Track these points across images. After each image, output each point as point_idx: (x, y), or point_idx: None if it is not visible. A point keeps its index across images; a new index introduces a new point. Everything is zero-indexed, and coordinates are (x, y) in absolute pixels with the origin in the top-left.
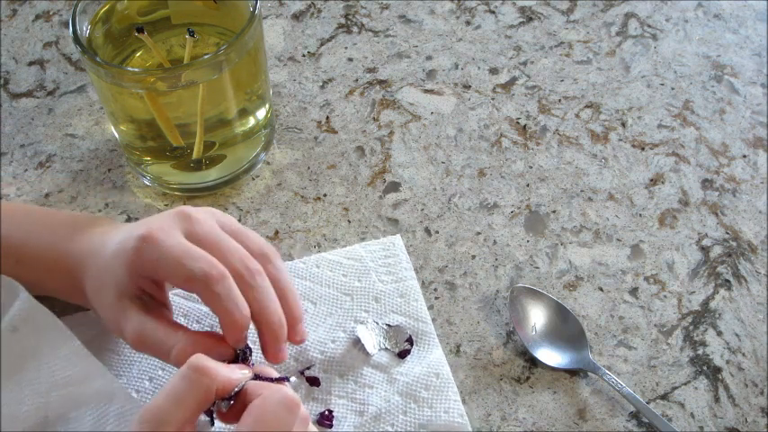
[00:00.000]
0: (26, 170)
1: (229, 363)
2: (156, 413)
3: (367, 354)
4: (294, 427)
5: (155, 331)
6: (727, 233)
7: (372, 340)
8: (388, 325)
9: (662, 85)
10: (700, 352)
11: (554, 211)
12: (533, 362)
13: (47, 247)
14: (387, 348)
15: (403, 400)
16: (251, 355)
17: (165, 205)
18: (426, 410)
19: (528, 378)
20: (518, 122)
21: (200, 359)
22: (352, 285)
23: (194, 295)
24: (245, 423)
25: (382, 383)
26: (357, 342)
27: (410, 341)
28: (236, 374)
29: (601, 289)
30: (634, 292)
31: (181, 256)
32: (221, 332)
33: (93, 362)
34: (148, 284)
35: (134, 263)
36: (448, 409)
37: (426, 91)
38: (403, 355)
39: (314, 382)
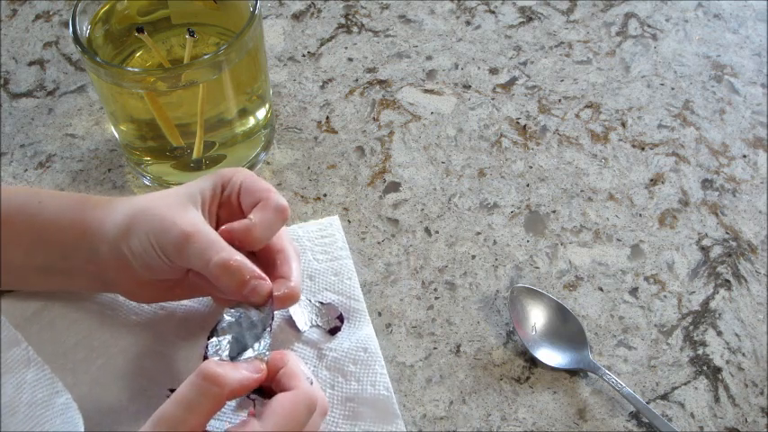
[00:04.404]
0: (26, 170)
1: (262, 305)
2: (169, 420)
3: (298, 330)
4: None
5: (211, 231)
6: (727, 233)
7: (304, 317)
8: (321, 302)
9: (662, 85)
10: (700, 352)
11: (554, 211)
12: (533, 362)
13: (72, 210)
14: (318, 325)
15: (331, 374)
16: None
17: None
18: (353, 384)
19: (528, 378)
20: (518, 122)
21: (210, 367)
22: None
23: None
24: (271, 417)
25: (312, 359)
26: (290, 319)
27: (341, 318)
28: (246, 378)
29: (601, 289)
30: (634, 292)
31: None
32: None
33: (10, 330)
34: (213, 206)
35: (229, 171)
36: (374, 382)
37: (426, 91)
38: (333, 331)
39: None
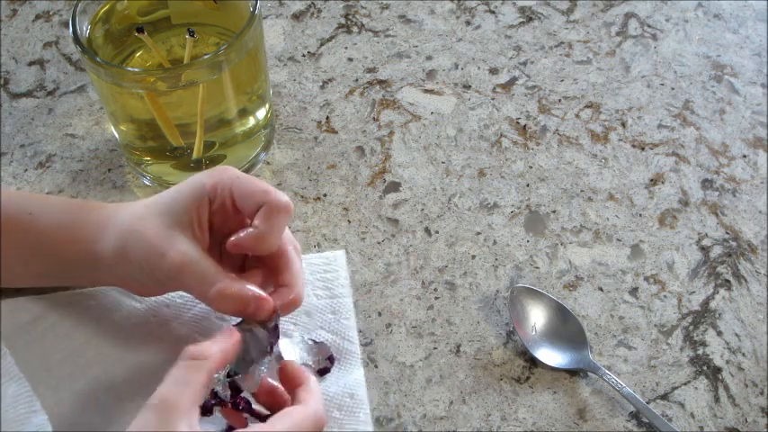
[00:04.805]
0: (26, 170)
1: (265, 322)
2: (165, 397)
3: None
4: None
5: (203, 259)
6: (727, 233)
7: (294, 354)
8: (313, 341)
9: (662, 85)
10: (700, 352)
11: (554, 211)
12: (533, 362)
13: (64, 211)
14: (308, 364)
15: None
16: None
17: None
18: (335, 430)
19: (528, 378)
20: (518, 122)
21: (192, 347)
22: None
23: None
24: (278, 424)
25: None
26: (279, 355)
27: (331, 359)
28: (226, 346)
29: (601, 289)
30: (634, 292)
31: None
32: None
33: None
34: (204, 219)
35: (212, 181)
36: (356, 430)
37: (426, 91)
38: (323, 372)
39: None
